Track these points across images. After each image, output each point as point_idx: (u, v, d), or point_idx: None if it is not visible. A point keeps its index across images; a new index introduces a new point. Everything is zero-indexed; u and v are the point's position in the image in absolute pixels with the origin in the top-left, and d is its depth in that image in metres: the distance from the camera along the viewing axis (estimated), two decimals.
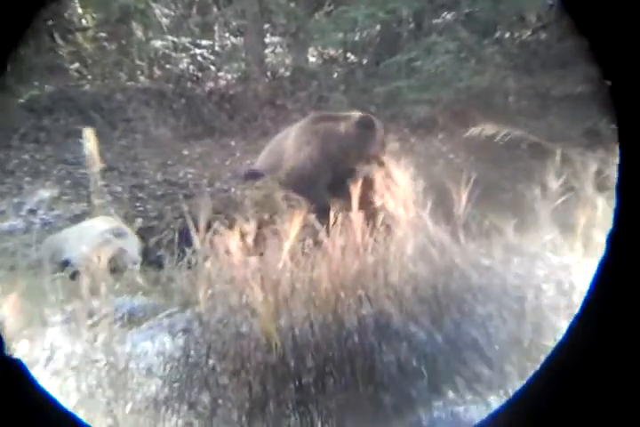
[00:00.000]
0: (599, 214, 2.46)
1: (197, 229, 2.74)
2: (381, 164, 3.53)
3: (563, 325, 2.29)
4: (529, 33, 9.63)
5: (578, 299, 2.32)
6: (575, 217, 2.48)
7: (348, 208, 3.28)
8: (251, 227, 2.67)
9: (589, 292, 1.59)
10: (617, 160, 2.48)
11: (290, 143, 6.32)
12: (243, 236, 2.66)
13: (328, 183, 5.95)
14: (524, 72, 8.56)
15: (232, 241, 2.64)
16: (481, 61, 8.69)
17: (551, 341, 2.27)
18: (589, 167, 2.53)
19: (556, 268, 2.38)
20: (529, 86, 8.54)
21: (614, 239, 1.54)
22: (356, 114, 6.32)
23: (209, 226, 2.78)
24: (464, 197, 2.56)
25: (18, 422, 1.59)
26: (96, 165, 5.55)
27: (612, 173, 2.49)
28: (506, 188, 2.62)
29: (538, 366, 1.76)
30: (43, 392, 1.80)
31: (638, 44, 1.48)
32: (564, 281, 2.33)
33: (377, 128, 6.17)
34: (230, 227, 2.70)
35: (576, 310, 2.28)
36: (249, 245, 2.64)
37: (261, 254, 2.73)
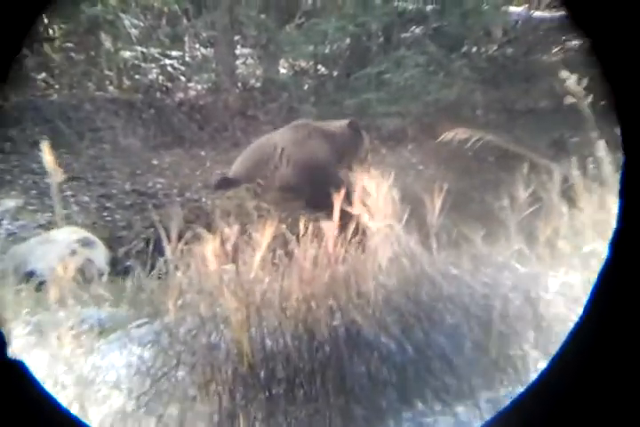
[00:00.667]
0: (565, 224, 2.50)
1: (169, 239, 2.72)
2: (366, 168, 3.55)
3: (529, 335, 2.32)
4: (495, 47, 9.82)
5: (544, 309, 2.36)
6: (542, 227, 2.52)
7: (317, 217, 3.29)
8: (232, 232, 2.66)
9: (591, 296, 1.61)
10: (580, 171, 2.54)
11: (284, 143, 6.31)
12: (221, 243, 2.65)
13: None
14: (491, 85, 8.71)
15: (208, 249, 2.63)
16: (449, 75, 8.83)
17: (518, 350, 2.30)
18: (555, 178, 2.57)
19: (522, 277, 2.41)
20: (496, 100, 8.69)
21: (617, 243, 1.56)
22: (342, 120, 6.45)
23: (180, 236, 2.77)
24: (437, 206, 2.59)
25: (20, 424, 1.57)
26: (57, 177, 5.50)
27: (577, 184, 2.55)
28: (475, 198, 2.65)
29: (546, 366, 1.77)
30: (45, 394, 1.78)
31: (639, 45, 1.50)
32: (531, 291, 2.36)
33: (363, 133, 6.25)
34: (211, 232, 2.69)
35: (542, 322, 2.32)
36: (226, 252, 2.63)
37: (234, 264, 2.72)
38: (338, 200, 2.67)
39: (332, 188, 5.42)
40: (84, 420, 2.19)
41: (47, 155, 5.44)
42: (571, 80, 2.47)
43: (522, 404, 1.78)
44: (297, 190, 6.05)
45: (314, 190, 5.73)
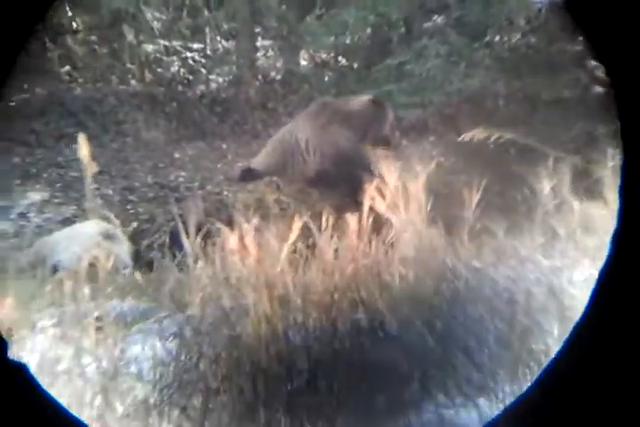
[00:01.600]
0: (590, 218, 2.48)
1: (187, 233, 2.74)
2: (392, 146, 3.49)
3: (553, 328, 2.30)
4: (518, 37, 9.70)
5: (568, 302, 2.33)
6: (566, 221, 2.49)
7: (339, 209, 3.28)
8: (251, 226, 2.66)
9: (593, 294, 1.59)
10: (610, 163, 2.50)
11: (306, 134, 6.24)
12: (240, 237, 2.65)
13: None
14: (514, 75, 8.61)
15: (228, 242, 2.64)
16: (471, 65, 8.73)
17: (541, 344, 2.28)
18: (579, 171, 2.54)
19: (546, 271, 2.39)
20: (518, 90, 8.59)
21: (618, 241, 1.54)
22: (363, 96, 6.30)
23: (200, 229, 2.78)
24: (474, 201, 2.56)
25: (22, 426, 1.59)
26: (89, 170, 5.54)
27: (602, 177, 2.52)
28: (497, 191, 2.63)
29: (540, 370, 1.76)
30: (47, 396, 1.80)
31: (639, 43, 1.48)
32: (555, 284, 2.34)
33: (387, 108, 6.15)
34: (230, 226, 2.70)
35: (566, 314, 2.29)
36: (246, 246, 2.64)
37: (256, 257, 2.73)
38: (368, 192, 2.67)
39: (363, 173, 5.40)
40: (81, 419, 2.21)
41: (83, 147, 5.49)
42: (599, 69, 2.43)
43: (526, 401, 1.78)
44: (327, 180, 5.98)
45: (345, 178, 5.66)
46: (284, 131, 6.71)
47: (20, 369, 1.64)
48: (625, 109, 1.53)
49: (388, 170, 2.71)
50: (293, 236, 2.73)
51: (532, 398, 1.75)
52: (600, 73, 2.38)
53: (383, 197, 2.63)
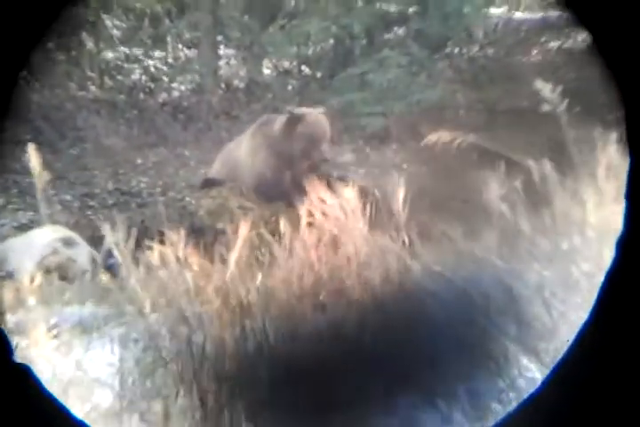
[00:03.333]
0: (543, 221, 2.55)
1: (149, 239, 2.73)
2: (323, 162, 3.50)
3: (510, 330, 2.35)
4: (477, 49, 9.93)
5: (525, 305, 2.38)
6: (522, 223, 2.55)
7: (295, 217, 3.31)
8: (180, 236, 2.67)
9: (599, 297, 1.61)
10: (547, 170, 2.58)
11: (243, 151, 6.30)
12: (196, 243, 2.66)
13: (290, 182, 5.91)
14: (473, 86, 8.79)
15: (180, 250, 2.64)
16: (432, 76, 8.90)
17: (499, 345, 2.32)
18: (537, 175, 2.61)
19: (503, 274, 2.44)
20: (477, 100, 8.77)
21: (624, 245, 1.57)
22: (305, 117, 6.17)
23: (161, 235, 2.77)
24: (400, 199, 2.62)
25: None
26: (41, 180, 5.48)
27: (553, 182, 2.60)
28: (457, 196, 2.69)
29: (554, 365, 1.78)
30: (50, 398, 1.78)
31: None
32: (512, 287, 2.39)
33: (303, 125, 5.97)
34: (199, 234, 2.71)
35: (523, 317, 2.35)
36: (202, 251, 2.64)
37: (210, 262, 2.73)
38: (302, 209, 2.70)
39: (284, 199, 5.49)
40: (85, 422, 2.19)
41: (33, 157, 5.43)
42: (546, 89, 2.53)
43: (531, 406, 1.80)
44: (261, 196, 5.98)
45: (273, 197, 5.70)
46: (232, 144, 6.76)
47: (25, 371, 1.63)
48: (631, 112, 1.56)
49: (315, 185, 2.75)
50: (240, 241, 2.73)
51: (542, 399, 1.77)
52: (548, 92, 2.46)
53: (338, 203, 2.66)
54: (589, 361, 1.63)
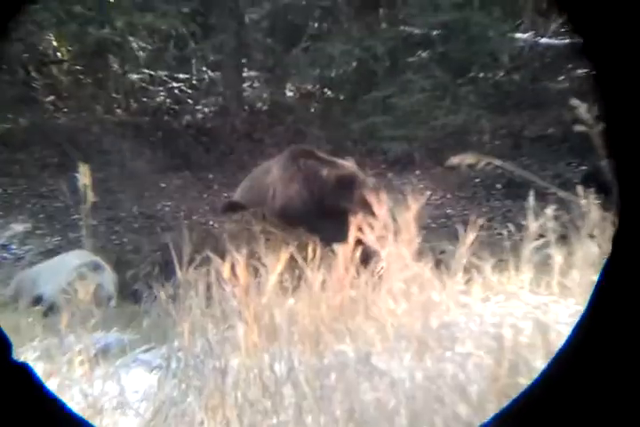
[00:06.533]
0: (575, 255, 2.51)
1: (180, 262, 2.73)
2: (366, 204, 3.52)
3: (539, 364, 2.32)
4: (502, 74, 9.89)
5: (554, 338, 2.35)
6: (552, 256, 2.52)
7: (326, 242, 3.30)
8: (242, 256, 2.66)
9: (594, 294, 1.61)
10: (594, 200, 2.55)
11: (273, 180, 6.33)
12: (231, 267, 2.65)
13: (320, 215, 5.95)
14: (498, 112, 8.76)
15: (221, 272, 2.64)
16: (455, 100, 8.88)
17: (528, 379, 2.29)
18: (565, 206, 2.59)
19: (532, 306, 2.41)
20: (502, 126, 8.73)
21: (618, 241, 1.57)
22: (341, 166, 6.23)
23: (190, 259, 2.78)
24: (469, 239, 2.58)
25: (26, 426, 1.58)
26: (89, 200, 5.52)
27: (587, 213, 2.57)
28: (483, 226, 2.67)
29: (546, 365, 1.76)
30: (51, 397, 1.78)
31: (632, 45, 1.51)
32: (541, 320, 2.36)
33: (356, 188, 5.98)
34: (220, 256, 2.70)
35: (553, 349, 2.31)
36: (237, 276, 2.64)
37: (244, 288, 2.73)
38: (355, 224, 2.68)
39: (306, 226, 5.54)
40: (86, 419, 2.19)
41: (85, 177, 5.47)
42: (581, 108, 2.49)
43: (522, 405, 1.79)
44: (286, 223, 6.03)
45: (307, 231, 5.75)
46: (259, 169, 6.81)
47: (24, 370, 1.63)
48: (609, 102, 1.57)
49: (377, 202, 2.73)
50: (280, 266, 2.73)
51: (531, 399, 1.76)
52: (583, 112, 2.43)
53: (372, 228, 2.65)
54: (582, 359, 1.62)
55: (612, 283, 1.59)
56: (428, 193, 2.86)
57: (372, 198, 2.79)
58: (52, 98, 10.01)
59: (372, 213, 2.74)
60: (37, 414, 1.65)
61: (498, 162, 3.12)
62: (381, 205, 2.71)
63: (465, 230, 2.61)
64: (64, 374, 2.68)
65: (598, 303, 1.62)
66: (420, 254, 2.64)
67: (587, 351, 1.62)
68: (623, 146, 1.55)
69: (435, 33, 9.50)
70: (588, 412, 1.57)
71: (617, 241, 1.60)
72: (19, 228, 6.17)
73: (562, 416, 1.61)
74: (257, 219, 5.93)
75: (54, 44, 10.24)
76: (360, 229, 2.69)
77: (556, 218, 2.51)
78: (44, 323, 3.02)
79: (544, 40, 10.15)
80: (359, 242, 2.72)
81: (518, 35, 10.03)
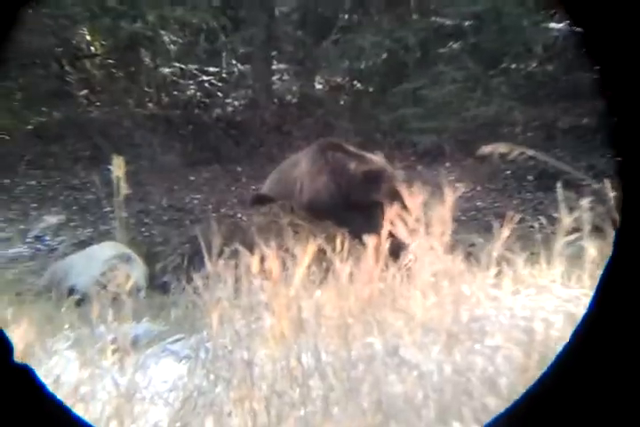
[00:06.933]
0: (606, 247, 2.46)
1: (210, 254, 2.74)
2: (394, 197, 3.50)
3: None
4: (535, 64, 9.73)
5: None
6: (583, 249, 2.48)
7: (355, 235, 3.28)
8: (271, 249, 2.66)
9: (595, 294, 1.59)
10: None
11: (301, 173, 6.33)
12: (260, 259, 2.65)
13: (348, 208, 5.97)
14: (530, 103, 8.62)
15: (247, 265, 2.64)
16: (487, 91, 8.77)
17: None
18: (599, 199, 2.54)
19: (564, 300, 2.37)
20: (535, 117, 8.59)
21: (621, 239, 1.55)
22: (369, 160, 6.23)
23: (219, 251, 2.78)
24: (504, 234, 2.54)
25: None
26: (122, 192, 5.57)
27: (614, 206, 2.51)
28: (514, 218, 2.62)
29: (549, 366, 1.74)
30: (53, 399, 1.80)
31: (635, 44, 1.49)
32: (572, 313, 2.32)
33: (383, 182, 6.00)
34: (248, 248, 2.70)
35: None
36: (267, 269, 2.64)
37: (273, 280, 2.73)
38: (388, 216, 2.65)
39: (333, 219, 5.55)
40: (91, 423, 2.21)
41: (119, 169, 5.53)
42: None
43: (525, 405, 1.77)
44: (313, 216, 6.04)
45: (335, 224, 5.75)
46: (287, 162, 6.82)
47: (26, 372, 1.65)
48: (614, 107, 1.54)
49: (410, 194, 2.70)
50: (308, 259, 2.72)
51: (536, 398, 1.74)
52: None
53: (404, 222, 2.62)
54: (588, 356, 1.60)
55: (615, 281, 1.56)
56: (463, 186, 2.80)
57: (403, 191, 2.76)
58: (85, 92, 10.13)
59: (404, 206, 2.71)
60: (39, 416, 1.66)
61: (531, 152, 3.07)
62: (413, 197, 2.68)
63: (501, 225, 2.57)
64: (96, 363, 2.71)
65: (601, 303, 1.60)
66: (451, 247, 2.61)
67: (590, 351, 1.60)
68: (628, 142, 1.52)
69: (466, 23, 9.37)
70: (592, 412, 1.55)
71: (619, 239, 1.57)
72: (52, 220, 6.26)
73: (565, 416, 1.59)
74: (285, 212, 5.93)
75: (87, 38, 10.35)
76: (392, 222, 2.67)
77: (590, 209, 2.46)
78: (77, 313, 3.05)
79: (579, 30, 9.94)
80: (389, 234, 2.70)
81: (552, 24, 9.86)
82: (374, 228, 2.76)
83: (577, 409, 1.59)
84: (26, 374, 1.65)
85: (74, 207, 7.10)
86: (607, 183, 2.50)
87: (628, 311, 1.54)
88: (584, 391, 1.58)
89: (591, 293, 2.29)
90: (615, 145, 1.55)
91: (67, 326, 2.97)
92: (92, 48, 10.52)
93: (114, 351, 2.78)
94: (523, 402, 1.84)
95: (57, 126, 9.20)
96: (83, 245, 5.88)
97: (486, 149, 3.07)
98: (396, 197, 3.03)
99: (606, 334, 1.58)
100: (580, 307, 2.31)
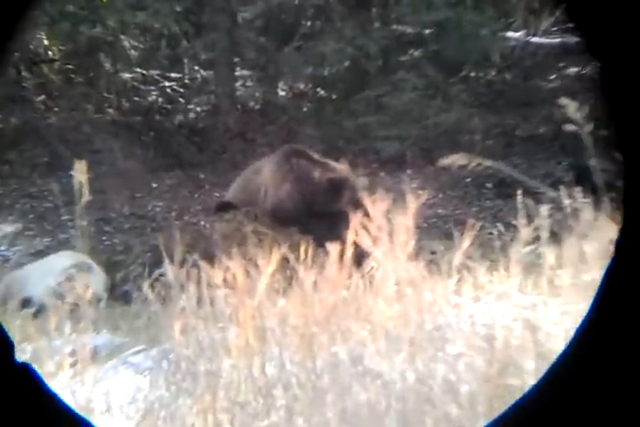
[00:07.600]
0: (565, 254, 2.50)
1: (172, 263, 2.70)
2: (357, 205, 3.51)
3: (529, 364, 2.31)
4: (494, 73, 9.91)
5: (544, 338, 2.35)
6: (541, 256, 2.52)
7: (319, 242, 3.28)
8: (235, 259, 2.64)
9: (597, 297, 1.60)
10: (583, 199, 2.54)
11: (265, 180, 6.33)
12: (224, 270, 2.63)
13: (312, 216, 5.98)
14: (490, 111, 8.78)
15: (209, 274, 2.62)
16: (447, 99, 8.90)
17: (518, 380, 2.29)
18: (556, 206, 2.58)
19: (521, 307, 2.40)
20: (494, 125, 8.75)
21: (622, 243, 1.56)
22: (333, 168, 6.24)
23: (183, 259, 2.75)
24: (465, 242, 2.56)
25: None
26: (84, 198, 5.47)
27: (578, 213, 2.56)
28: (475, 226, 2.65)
29: (551, 365, 1.75)
30: (54, 397, 1.77)
31: (635, 42, 1.51)
32: (531, 320, 2.36)
33: (347, 189, 6.04)
34: (210, 261, 2.68)
35: (542, 349, 2.31)
36: (229, 279, 2.62)
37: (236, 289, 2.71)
38: (351, 226, 2.66)
39: (298, 226, 5.57)
40: (88, 420, 2.17)
41: (81, 174, 5.41)
42: (571, 107, 2.48)
43: (524, 407, 1.78)
44: (277, 222, 6.04)
45: (299, 231, 5.77)
46: (251, 169, 6.80)
47: (26, 370, 1.62)
48: (621, 109, 1.56)
49: (373, 202, 2.71)
50: (271, 267, 2.71)
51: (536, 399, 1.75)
52: (573, 111, 2.42)
53: (367, 230, 2.62)
54: (587, 360, 1.62)
55: (615, 284, 1.58)
56: (425, 193, 2.81)
57: (366, 199, 2.77)
58: (42, 97, 9.96)
59: (367, 215, 2.72)
60: (40, 414, 1.65)
61: (488, 162, 3.12)
62: (376, 205, 2.69)
63: (462, 234, 2.59)
64: (53, 376, 2.65)
65: (601, 305, 1.61)
66: (414, 255, 2.62)
67: (589, 354, 1.61)
68: (628, 143, 1.54)
69: (427, 32, 9.52)
70: (591, 415, 1.56)
71: (621, 242, 1.59)
72: (8, 228, 6.13)
73: (564, 419, 1.60)
74: (249, 219, 5.91)
75: (45, 42, 10.17)
76: (355, 231, 2.67)
77: (548, 217, 2.50)
78: (34, 325, 2.98)
79: (536, 39, 10.19)
80: (353, 242, 2.70)
81: (510, 33, 10.07)
82: (338, 235, 2.76)
83: (576, 412, 1.59)
84: (26, 373, 1.63)
85: (31, 216, 6.96)
86: (563, 191, 2.55)
87: (628, 313, 1.55)
88: (584, 393, 1.59)
89: (549, 299, 2.34)
90: (616, 146, 1.57)
91: (23, 339, 2.90)
92: (50, 53, 10.35)
93: (73, 364, 2.72)
94: (518, 407, 1.85)
95: (14, 133, 9.02)
96: (40, 254, 5.77)
97: (446, 161, 3.11)
98: (359, 205, 3.04)
99: (606, 336, 1.59)
100: (538, 314, 2.35)
